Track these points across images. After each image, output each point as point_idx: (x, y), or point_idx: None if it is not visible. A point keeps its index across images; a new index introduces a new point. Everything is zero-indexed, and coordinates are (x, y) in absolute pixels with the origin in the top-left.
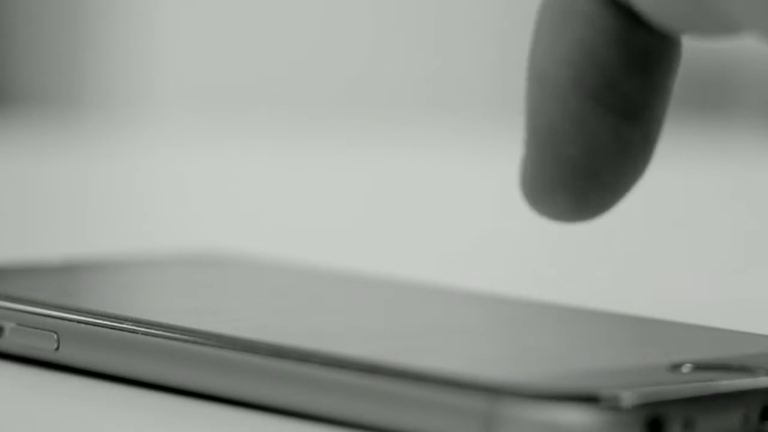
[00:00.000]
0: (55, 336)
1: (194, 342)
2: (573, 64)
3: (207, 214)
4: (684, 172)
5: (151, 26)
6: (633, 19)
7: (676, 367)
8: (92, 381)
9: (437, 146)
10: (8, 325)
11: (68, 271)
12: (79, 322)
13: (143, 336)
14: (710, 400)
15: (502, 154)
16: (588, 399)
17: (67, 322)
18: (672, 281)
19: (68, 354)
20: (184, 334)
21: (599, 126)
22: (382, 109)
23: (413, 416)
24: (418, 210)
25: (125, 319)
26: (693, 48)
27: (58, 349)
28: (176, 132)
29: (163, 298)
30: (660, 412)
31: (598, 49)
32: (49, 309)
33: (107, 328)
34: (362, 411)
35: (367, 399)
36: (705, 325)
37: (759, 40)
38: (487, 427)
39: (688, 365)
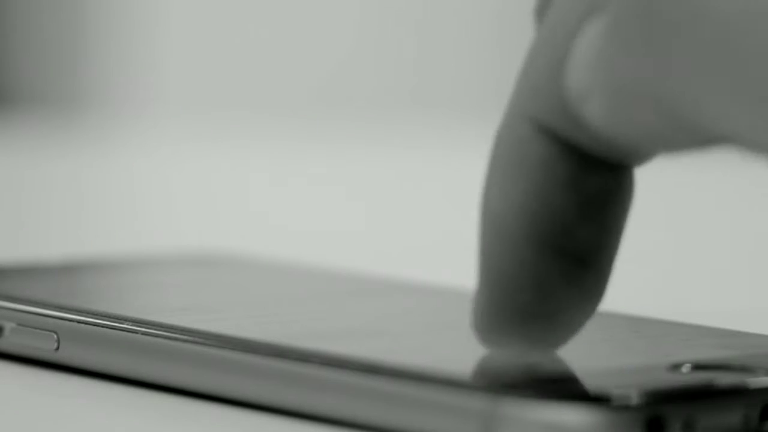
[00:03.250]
0: (55, 336)
1: (194, 342)
2: (527, 211)
3: (205, 215)
4: (684, 172)
5: (148, 29)
6: (586, 162)
7: (676, 367)
8: (92, 381)
9: (436, 146)
10: (8, 325)
11: (68, 271)
12: (79, 322)
13: (143, 336)
14: (710, 399)
15: None
16: (588, 399)
17: (67, 322)
18: (672, 281)
19: (68, 354)
20: (184, 334)
21: (552, 273)
22: (380, 110)
23: (413, 416)
24: (416, 209)
25: (125, 319)
26: None
27: (58, 349)
28: (174, 132)
29: (162, 298)
30: (660, 412)
31: (553, 195)
32: (49, 309)
33: (107, 328)
34: (362, 411)
35: (367, 399)
36: (705, 325)
37: (736, 151)
38: (487, 427)
39: (688, 365)
